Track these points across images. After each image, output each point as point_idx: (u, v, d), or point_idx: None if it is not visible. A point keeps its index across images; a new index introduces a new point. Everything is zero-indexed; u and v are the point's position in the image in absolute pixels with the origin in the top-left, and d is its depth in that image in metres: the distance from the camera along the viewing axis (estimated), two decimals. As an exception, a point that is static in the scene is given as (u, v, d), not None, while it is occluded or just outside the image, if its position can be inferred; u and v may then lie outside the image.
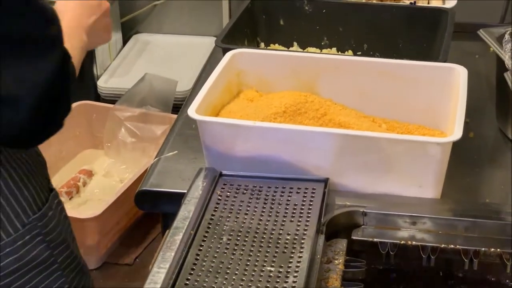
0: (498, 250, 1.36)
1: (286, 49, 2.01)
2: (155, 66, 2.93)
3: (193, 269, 1.22)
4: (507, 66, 1.56)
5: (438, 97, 1.60)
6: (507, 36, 1.61)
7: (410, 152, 1.40)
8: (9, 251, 1.22)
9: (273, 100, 1.57)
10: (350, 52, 2.00)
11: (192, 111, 1.45)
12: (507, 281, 1.39)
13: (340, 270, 1.30)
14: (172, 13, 3.27)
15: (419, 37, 1.94)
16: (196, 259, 1.24)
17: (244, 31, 1.93)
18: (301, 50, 2.02)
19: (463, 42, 2.08)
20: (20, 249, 1.23)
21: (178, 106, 2.09)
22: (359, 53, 2.00)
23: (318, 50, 2.00)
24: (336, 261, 1.32)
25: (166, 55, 3.04)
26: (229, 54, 1.63)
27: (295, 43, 2.03)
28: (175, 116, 1.84)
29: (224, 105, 1.59)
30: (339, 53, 2.00)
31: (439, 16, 1.93)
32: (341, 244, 1.36)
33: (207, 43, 3.04)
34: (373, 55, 1.97)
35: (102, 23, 1.40)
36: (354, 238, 1.39)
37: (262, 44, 2.03)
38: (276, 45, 2.02)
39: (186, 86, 2.59)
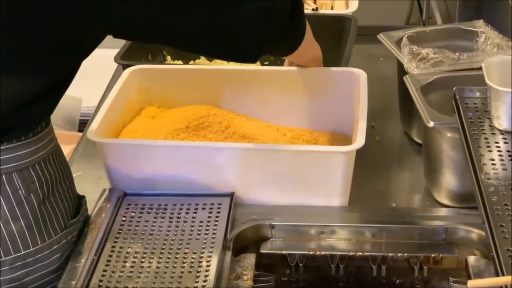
0: (406, 254, 1.36)
1: (192, 61, 1.99)
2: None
3: (95, 297, 1.19)
4: (406, 69, 1.57)
5: (340, 102, 1.60)
6: (405, 40, 1.62)
7: (314, 162, 1.40)
8: (55, 249, 1.27)
9: (175, 115, 1.55)
10: (257, 62, 1.99)
11: (91, 133, 1.42)
12: (416, 285, 1.40)
13: (249, 286, 1.29)
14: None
15: (324, 44, 1.93)
16: (99, 286, 1.21)
17: (147, 45, 1.90)
18: (209, 61, 1.99)
19: (369, 45, 2.08)
20: (63, 248, 1.28)
21: (85, 123, 2.06)
22: (266, 63, 1.99)
23: (225, 62, 1.98)
24: (244, 277, 1.31)
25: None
26: (127, 71, 1.61)
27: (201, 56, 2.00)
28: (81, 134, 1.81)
29: (126, 124, 1.56)
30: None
31: (342, 22, 1.94)
32: (250, 259, 1.34)
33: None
34: (280, 65, 1.96)
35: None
36: (262, 251, 1.38)
37: (168, 58, 2.01)
38: (181, 59, 2.00)
39: (94, 102, 2.55)
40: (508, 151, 1.23)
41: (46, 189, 1.25)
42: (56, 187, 1.28)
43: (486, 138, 1.26)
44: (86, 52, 1.23)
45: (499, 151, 1.23)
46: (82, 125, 2.42)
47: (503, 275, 0.99)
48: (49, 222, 1.26)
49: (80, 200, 1.37)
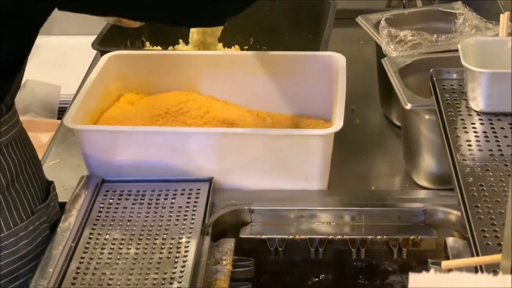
0: (385, 237, 1.36)
1: (171, 47, 1.98)
2: (44, 70, 2.83)
3: (73, 283, 1.18)
4: (384, 52, 1.57)
5: (319, 86, 1.60)
6: (383, 22, 1.62)
7: (292, 146, 1.40)
8: (22, 235, 1.25)
9: (154, 102, 1.55)
10: (236, 47, 1.99)
11: (68, 120, 1.41)
12: (395, 267, 1.40)
13: (228, 270, 1.29)
14: (61, 12, 3.15)
15: (303, 29, 1.94)
16: (77, 273, 1.20)
17: (125, 31, 1.89)
18: (188, 47, 1.99)
19: (348, 29, 2.07)
20: (31, 234, 1.27)
21: (65, 111, 2.05)
22: (246, 47, 1.99)
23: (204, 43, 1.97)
24: (224, 262, 1.31)
25: (55, 58, 2.96)
26: (105, 57, 1.60)
27: (180, 41, 2.00)
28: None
29: (104, 111, 1.55)
30: (225, 49, 1.98)
31: (321, 6, 1.93)
32: (229, 244, 1.34)
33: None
34: (260, 49, 1.96)
35: None
36: (242, 236, 1.38)
37: (147, 44, 2.00)
38: (160, 44, 1.99)
39: (73, 89, 2.53)
40: (484, 132, 1.23)
41: (10, 175, 1.24)
42: (22, 172, 1.26)
43: (462, 120, 1.26)
44: (33, 27, 1.19)
45: (475, 132, 1.23)
46: (62, 112, 2.41)
47: (478, 255, 1.00)
48: (14, 209, 1.24)
49: (49, 186, 1.35)
